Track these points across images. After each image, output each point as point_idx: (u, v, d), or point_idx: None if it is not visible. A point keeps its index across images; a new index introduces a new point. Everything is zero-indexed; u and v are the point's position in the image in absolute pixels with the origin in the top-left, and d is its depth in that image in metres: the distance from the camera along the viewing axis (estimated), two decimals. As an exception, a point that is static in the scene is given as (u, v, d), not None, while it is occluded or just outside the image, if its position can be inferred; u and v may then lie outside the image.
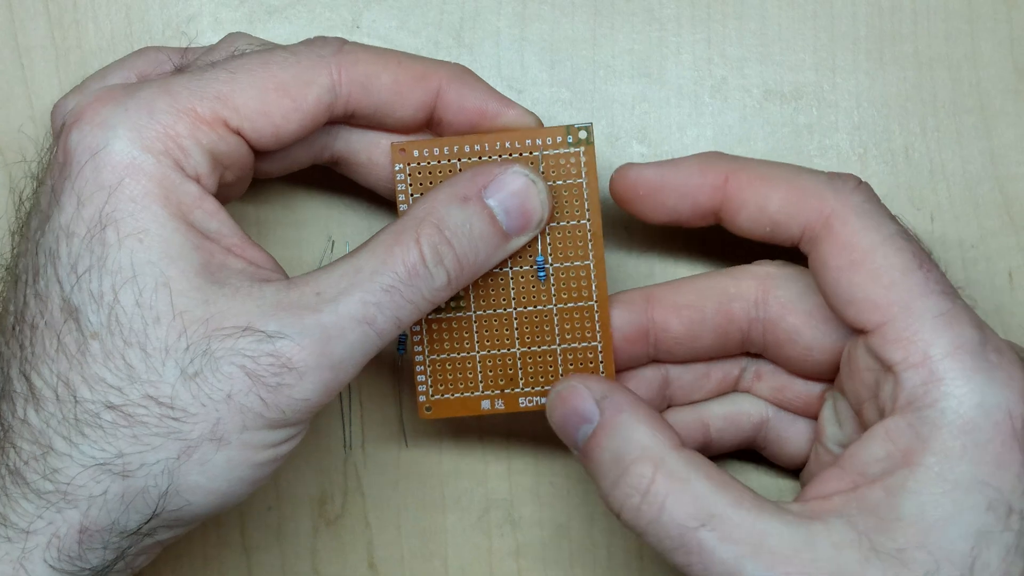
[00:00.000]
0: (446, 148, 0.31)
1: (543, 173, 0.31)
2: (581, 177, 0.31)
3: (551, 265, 0.31)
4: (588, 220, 0.31)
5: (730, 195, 0.30)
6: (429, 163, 0.31)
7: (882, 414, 0.28)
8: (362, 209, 0.36)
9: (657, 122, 0.36)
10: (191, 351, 0.26)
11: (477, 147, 0.31)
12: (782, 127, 0.36)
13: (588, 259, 0.31)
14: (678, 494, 0.27)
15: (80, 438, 0.26)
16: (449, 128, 0.31)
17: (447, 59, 0.36)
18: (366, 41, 0.36)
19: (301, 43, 0.30)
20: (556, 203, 0.31)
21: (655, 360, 0.33)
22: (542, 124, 0.31)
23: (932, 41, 0.35)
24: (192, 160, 0.28)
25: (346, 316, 0.27)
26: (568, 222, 0.31)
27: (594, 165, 0.31)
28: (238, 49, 0.30)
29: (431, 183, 0.31)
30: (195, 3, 0.36)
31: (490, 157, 0.31)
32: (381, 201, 0.36)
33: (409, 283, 0.28)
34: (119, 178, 0.27)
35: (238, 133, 0.28)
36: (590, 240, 0.31)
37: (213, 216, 0.28)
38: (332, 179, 0.36)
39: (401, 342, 0.34)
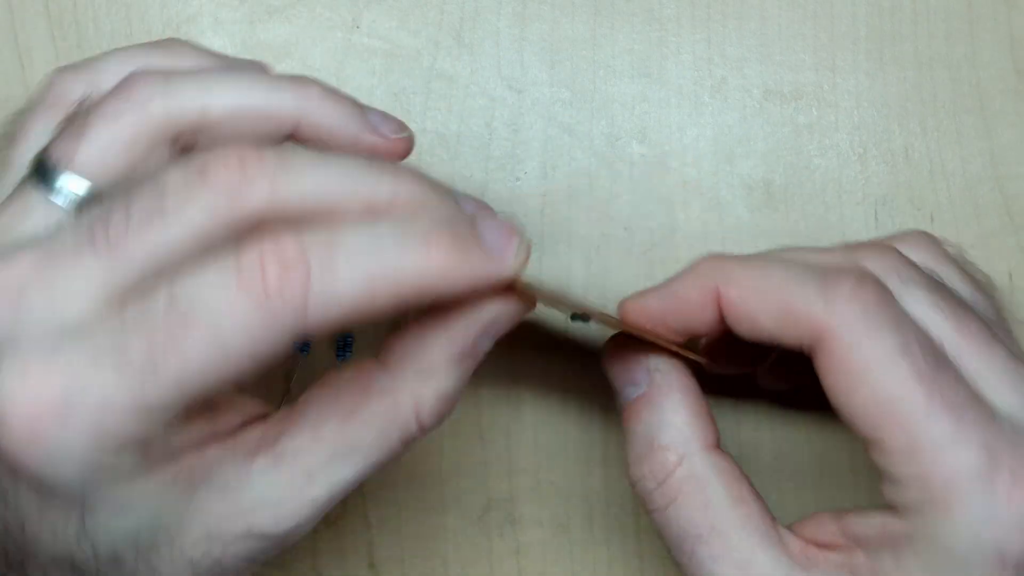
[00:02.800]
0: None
1: None
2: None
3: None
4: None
5: (724, 310, 0.29)
6: None
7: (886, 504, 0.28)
8: (362, 209, 0.36)
9: (657, 122, 0.36)
10: (196, 565, 0.26)
11: None
12: (782, 127, 0.36)
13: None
14: (690, 496, 0.28)
15: None
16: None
17: (447, 59, 0.36)
18: (366, 41, 0.36)
19: (245, 293, 0.23)
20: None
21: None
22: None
23: (932, 41, 0.35)
24: (159, 442, 0.24)
25: (339, 495, 0.27)
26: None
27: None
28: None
29: None
30: (195, 3, 0.36)
31: None
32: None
33: (405, 449, 0.27)
34: (80, 492, 0.24)
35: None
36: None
37: (174, 432, 0.25)
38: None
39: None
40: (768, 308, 0.28)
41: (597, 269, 0.36)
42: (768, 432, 0.36)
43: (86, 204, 0.26)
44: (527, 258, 0.26)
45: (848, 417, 0.27)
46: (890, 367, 0.26)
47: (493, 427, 0.36)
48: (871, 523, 0.27)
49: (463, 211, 0.26)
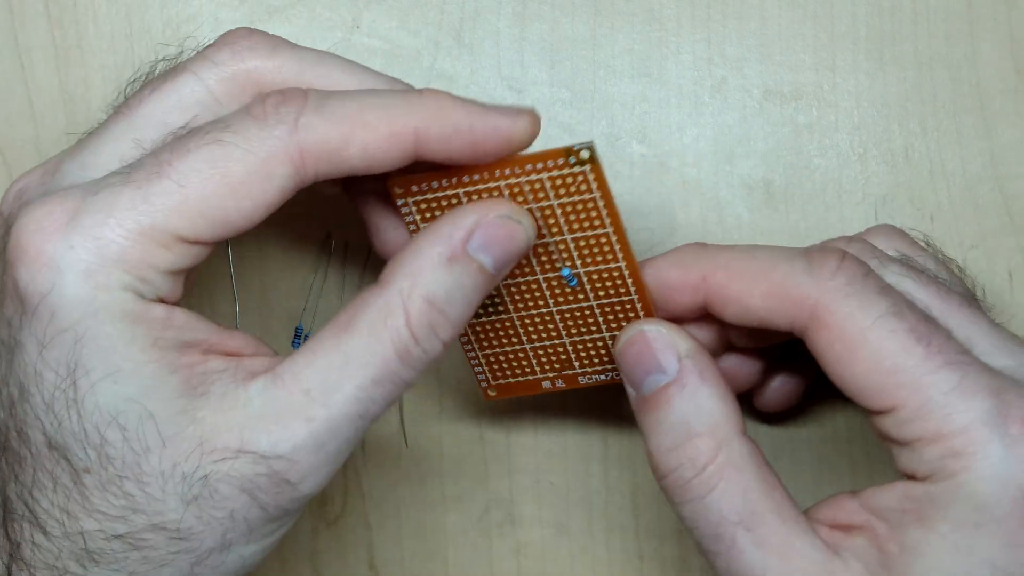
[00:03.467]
0: (444, 180, 0.29)
1: (552, 192, 0.29)
2: (592, 192, 0.29)
3: (580, 271, 0.30)
4: (610, 228, 0.29)
5: (711, 294, 0.29)
6: (432, 195, 0.29)
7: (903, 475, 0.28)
8: (362, 209, 0.36)
9: (657, 122, 0.36)
10: (188, 479, 0.26)
11: (476, 176, 0.29)
12: (782, 127, 0.36)
13: (617, 261, 0.30)
14: (730, 483, 0.27)
15: (92, 564, 0.26)
16: (443, 163, 0.28)
17: (447, 59, 0.36)
18: (366, 41, 0.36)
19: (250, 118, 0.26)
20: (572, 217, 0.29)
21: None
22: (537, 117, 0.28)
23: (932, 41, 0.35)
24: (151, 284, 0.26)
25: (339, 417, 0.26)
26: (588, 232, 0.30)
27: (604, 180, 0.29)
28: (194, 119, 0.28)
29: (439, 212, 0.29)
30: (195, 3, 0.36)
31: (493, 183, 0.29)
32: (381, 201, 0.36)
33: (403, 367, 0.26)
34: (76, 320, 0.25)
35: (196, 242, 0.26)
36: (616, 244, 0.30)
37: (183, 327, 0.27)
38: (332, 179, 0.36)
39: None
40: (758, 289, 0.28)
41: (597, 269, 0.36)
42: (766, 435, 0.36)
43: None
44: (537, 122, 0.28)
45: (852, 389, 0.27)
46: (886, 330, 0.27)
47: (493, 427, 0.36)
48: (892, 494, 0.27)
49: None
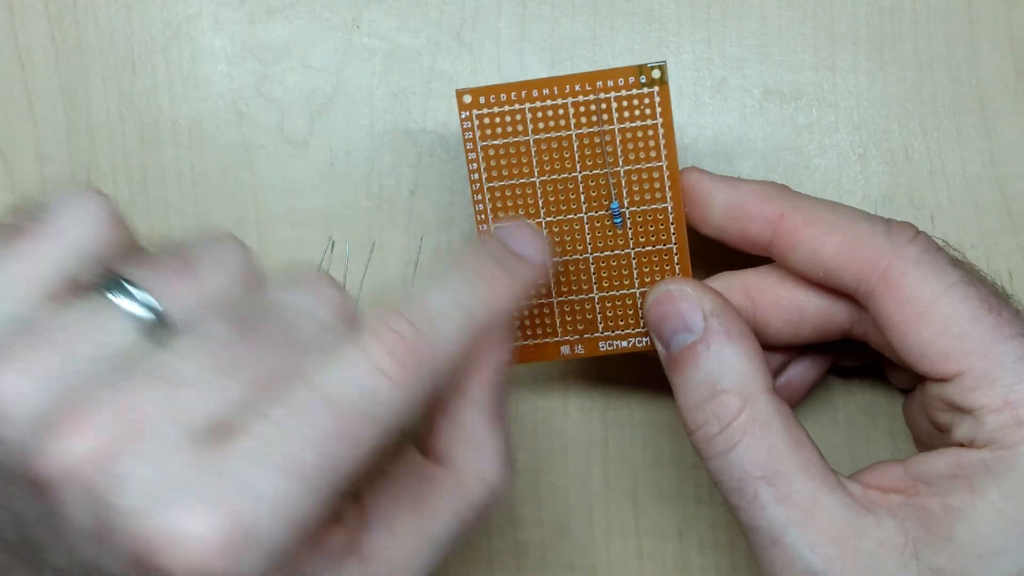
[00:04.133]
0: (513, 93, 0.30)
1: (617, 114, 0.30)
2: (656, 118, 0.30)
3: (627, 209, 0.31)
4: (665, 161, 0.30)
5: (783, 233, 0.29)
6: (499, 110, 0.30)
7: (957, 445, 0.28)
8: (362, 209, 0.36)
9: (657, 122, 0.36)
10: None
11: (545, 91, 0.30)
12: (782, 127, 0.36)
13: (666, 201, 0.30)
14: (755, 439, 0.27)
15: None
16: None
17: (447, 59, 0.36)
18: (366, 41, 0.36)
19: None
20: (630, 146, 0.30)
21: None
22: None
23: (932, 41, 0.35)
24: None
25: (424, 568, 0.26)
26: (643, 164, 0.30)
27: (669, 105, 0.30)
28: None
29: (500, 129, 0.30)
30: (195, 3, 0.36)
31: (560, 100, 0.30)
32: (379, 199, 0.36)
33: (482, 518, 0.27)
34: None
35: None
36: (667, 181, 0.30)
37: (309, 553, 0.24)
38: (332, 179, 0.36)
39: None
40: (833, 239, 0.29)
41: (597, 269, 0.36)
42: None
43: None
44: (547, 244, 0.29)
45: (917, 354, 0.27)
46: (959, 297, 0.27)
47: (493, 427, 0.36)
48: (942, 460, 0.27)
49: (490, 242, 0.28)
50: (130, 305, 0.22)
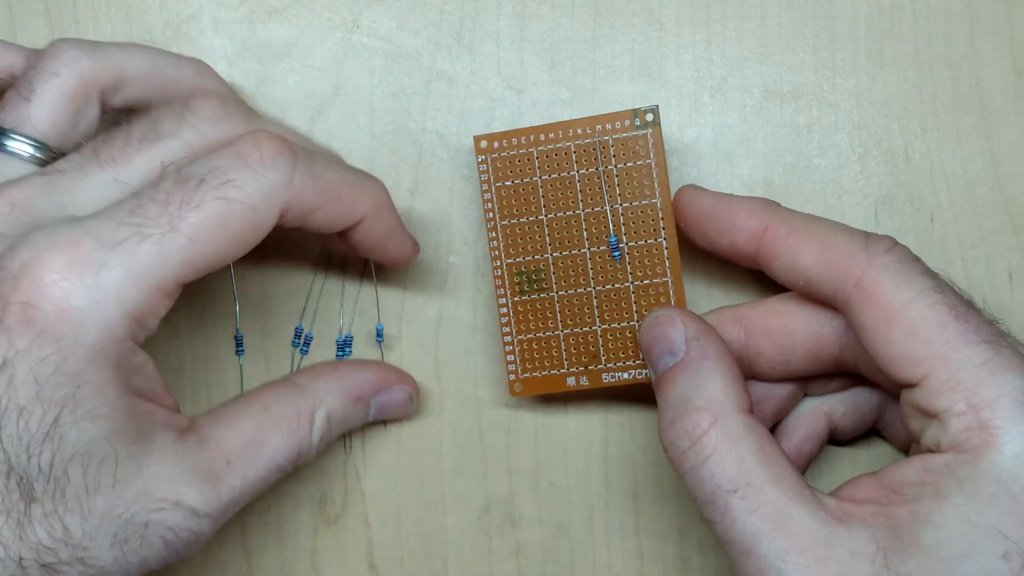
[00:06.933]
0: (523, 138, 0.33)
1: (614, 155, 0.33)
2: (649, 158, 0.32)
3: (624, 244, 0.33)
4: (658, 199, 0.32)
5: (766, 244, 0.31)
6: (509, 153, 0.33)
7: (925, 451, 0.28)
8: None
9: (657, 122, 0.36)
10: (127, 523, 0.27)
11: (552, 135, 0.33)
12: (782, 127, 0.36)
13: (660, 236, 0.33)
14: (724, 453, 0.28)
15: None
16: (358, 246, 0.33)
17: (447, 59, 0.36)
18: (366, 41, 0.36)
19: (249, 169, 0.29)
20: (627, 184, 0.33)
21: (752, 378, 0.33)
22: (418, 251, 0.34)
23: (932, 41, 0.35)
24: (147, 328, 0.28)
25: (250, 489, 0.30)
26: (638, 202, 0.33)
27: (661, 146, 0.32)
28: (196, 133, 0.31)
29: (511, 171, 0.33)
30: (195, 3, 0.36)
31: (564, 143, 0.33)
32: (381, 201, 0.36)
33: (296, 461, 0.32)
34: (82, 368, 0.27)
35: (190, 283, 0.29)
36: (661, 218, 0.33)
37: (148, 375, 0.29)
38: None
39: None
40: (811, 249, 0.30)
41: (597, 269, 0.36)
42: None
43: (42, 154, 0.30)
44: (416, 255, 0.34)
45: (886, 358, 0.28)
46: (926, 303, 0.28)
47: (493, 427, 0.36)
48: (910, 468, 0.28)
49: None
50: (16, 146, 0.30)
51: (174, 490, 0.28)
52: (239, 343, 0.36)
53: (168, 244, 0.27)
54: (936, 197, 0.35)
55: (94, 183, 0.29)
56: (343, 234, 0.32)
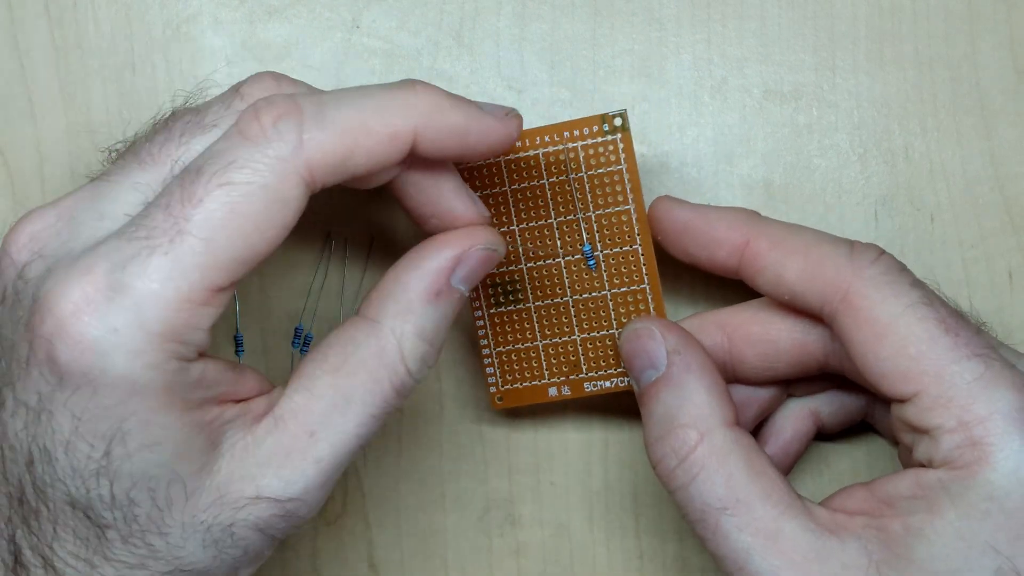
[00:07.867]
0: None
1: (584, 162, 0.31)
2: (620, 164, 0.32)
3: (600, 252, 0.32)
4: (632, 205, 0.32)
5: (749, 258, 0.30)
6: (476, 163, 0.32)
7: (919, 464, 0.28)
8: (362, 208, 0.36)
9: (657, 122, 0.36)
10: (210, 528, 0.26)
11: (519, 143, 0.32)
12: (782, 127, 0.36)
13: (635, 243, 0.32)
14: (712, 471, 0.28)
15: None
16: (434, 159, 0.28)
17: (447, 59, 0.36)
18: (366, 41, 0.36)
19: (251, 143, 0.25)
20: (598, 191, 0.32)
21: (735, 382, 0.32)
22: (521, 120, 0.29)
23: (932, 41, 0.35)
24: (193, 343, 0.26)
25: (344, 454, 0.27)
26: (611, 208, 0.32)
27: (632, 151, 0.31)
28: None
29: (479, 181, 0.32)
30: (195, 3, 0.36)
31: (532, 152, 0.32)
32: (379, 199, 0.36)
33: (398, 398, 0.28)
34: (120, 400, 0.25)
35: (232, 284, 0.26)
36: (635, 224, 0.32)
37: (210, 383, 0.27)
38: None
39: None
40: (796, 262, 0.29)
41: (597, 269, 0.36)
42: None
43: None
44: (520, 125, 0.29)
45: (876, 374, 0.28)
46: (916, 318, 0.27)
47: (493, 427, 0.36)
48: (903, 482, 0.27)
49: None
50: None
51: (251, 486, 0.27)
52: (239, 343, 0.36)
53: (179, 251, 0.25)
54: (936, 197, 0.35)
55: (132, 185, 0.27)
56: (421, 165, 0.28)
